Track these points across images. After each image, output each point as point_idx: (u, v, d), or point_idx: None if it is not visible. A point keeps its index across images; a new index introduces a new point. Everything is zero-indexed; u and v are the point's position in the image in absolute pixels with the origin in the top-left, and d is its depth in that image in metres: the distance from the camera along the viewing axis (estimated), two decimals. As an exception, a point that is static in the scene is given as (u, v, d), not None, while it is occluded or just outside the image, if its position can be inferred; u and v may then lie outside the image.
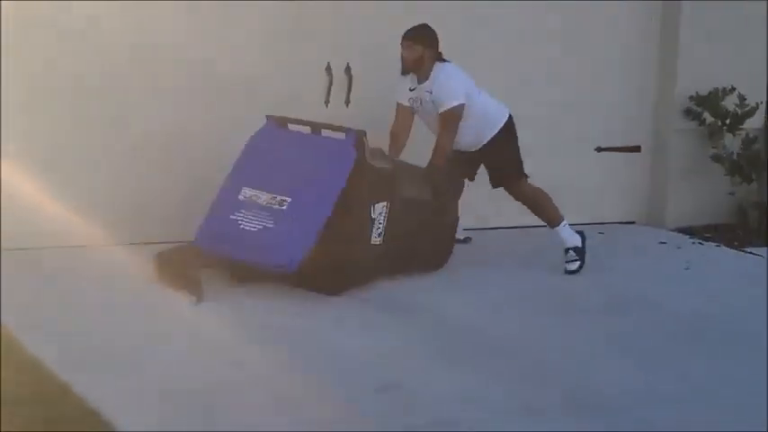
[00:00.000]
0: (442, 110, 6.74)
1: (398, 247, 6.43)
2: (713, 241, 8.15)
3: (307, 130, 6.58)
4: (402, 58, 6.79)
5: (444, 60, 6.81)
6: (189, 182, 6.96)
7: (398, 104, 6.93)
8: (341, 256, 6.17)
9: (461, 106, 6.73)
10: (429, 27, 6.81)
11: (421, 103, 6.86)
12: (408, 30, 6.80)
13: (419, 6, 7.46)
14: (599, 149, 8.39)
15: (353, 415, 4.70)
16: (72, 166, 6.78)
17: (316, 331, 5.70)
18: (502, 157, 6.98)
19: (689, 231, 8.36)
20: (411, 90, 6.87)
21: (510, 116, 6.97)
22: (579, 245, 7.00)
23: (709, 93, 8.26)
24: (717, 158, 8.31)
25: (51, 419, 4.35)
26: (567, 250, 6.99)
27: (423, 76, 6.81)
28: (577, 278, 6.93)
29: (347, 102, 7.50)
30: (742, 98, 8.26)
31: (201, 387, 4.82)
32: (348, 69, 7.46)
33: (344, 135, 6.34)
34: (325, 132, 6.51)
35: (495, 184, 7.07)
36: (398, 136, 6.91)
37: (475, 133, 6.88)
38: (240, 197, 6.26)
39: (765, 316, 6.28)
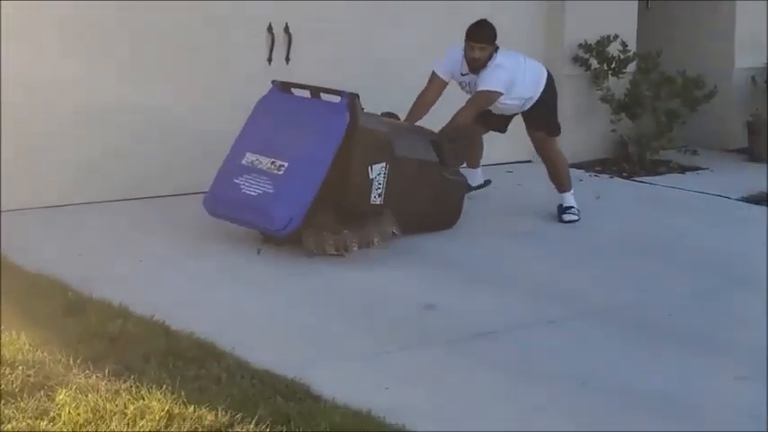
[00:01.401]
0: (478, 89, 7.03)
1: (404, 207, 6.63)
2: (605, 173, 9.13)
3: (307, 94, 6.78)
4: (474, 59, 7.01)
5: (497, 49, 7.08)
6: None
7: (435, 75, 7.16)
8: (339, 215, 6.49)
9: (497, 94, 7.03)
10: (491, 24, 7.09)
11: (470, 86, 7.18)
12: (477, 31, 7.05)
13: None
14: (496, 96, 9.19)
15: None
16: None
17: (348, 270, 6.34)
18: (542, 115, 7.41)
19: (580, 166, 9.27)
20: (463, 75, 7.16)
21: (549, 74, 7.38)
22: (575, 204, 7.54)
23: (597, 41, 9.20)
24: (605, 99, 9.27)
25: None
26: (567, 207, 7.52)
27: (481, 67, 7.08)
28: (538, 213, 7.72)
29: (287, 59, 8.07)
30: (624, 45, 9.25)
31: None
32: (287, 28, 8.04)
33: (339, 98, 6.53)
34: (324, 96, 6.70)
35: (530, 133, 7.54)
36: (425, 104, 7.10)
37: (521, 104, 7.30)
38: (243, 162, 6.49)
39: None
